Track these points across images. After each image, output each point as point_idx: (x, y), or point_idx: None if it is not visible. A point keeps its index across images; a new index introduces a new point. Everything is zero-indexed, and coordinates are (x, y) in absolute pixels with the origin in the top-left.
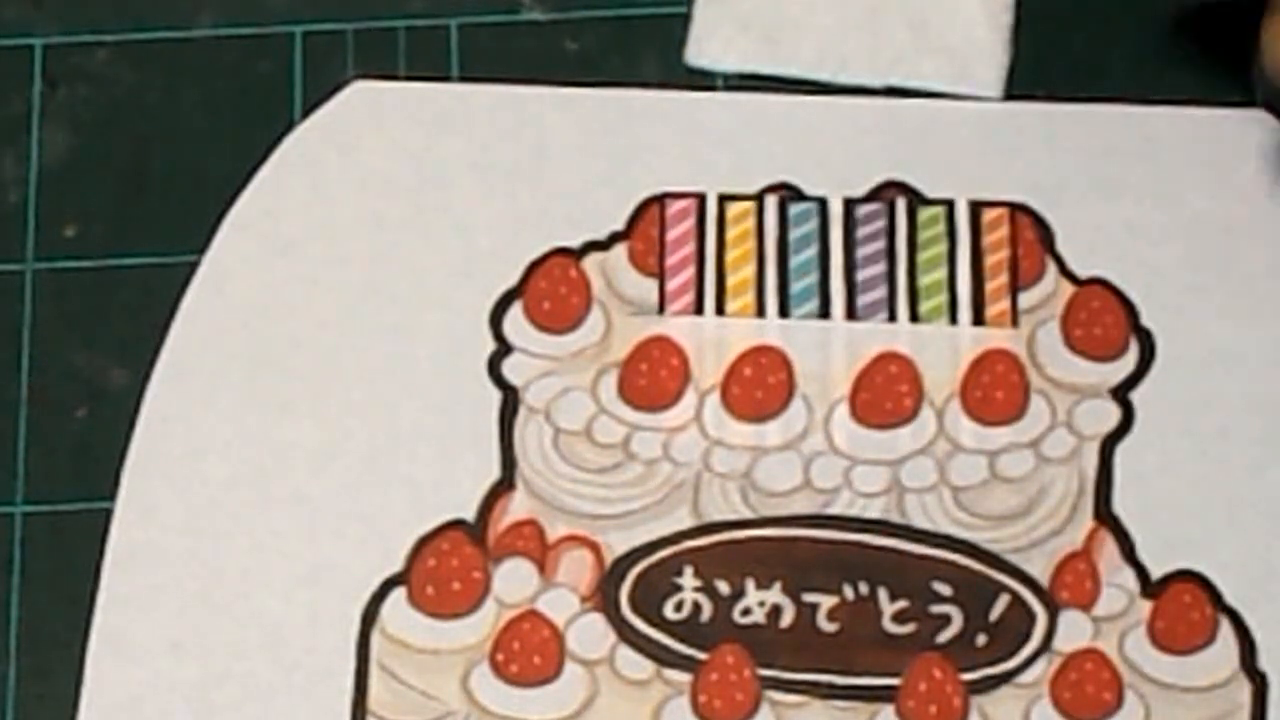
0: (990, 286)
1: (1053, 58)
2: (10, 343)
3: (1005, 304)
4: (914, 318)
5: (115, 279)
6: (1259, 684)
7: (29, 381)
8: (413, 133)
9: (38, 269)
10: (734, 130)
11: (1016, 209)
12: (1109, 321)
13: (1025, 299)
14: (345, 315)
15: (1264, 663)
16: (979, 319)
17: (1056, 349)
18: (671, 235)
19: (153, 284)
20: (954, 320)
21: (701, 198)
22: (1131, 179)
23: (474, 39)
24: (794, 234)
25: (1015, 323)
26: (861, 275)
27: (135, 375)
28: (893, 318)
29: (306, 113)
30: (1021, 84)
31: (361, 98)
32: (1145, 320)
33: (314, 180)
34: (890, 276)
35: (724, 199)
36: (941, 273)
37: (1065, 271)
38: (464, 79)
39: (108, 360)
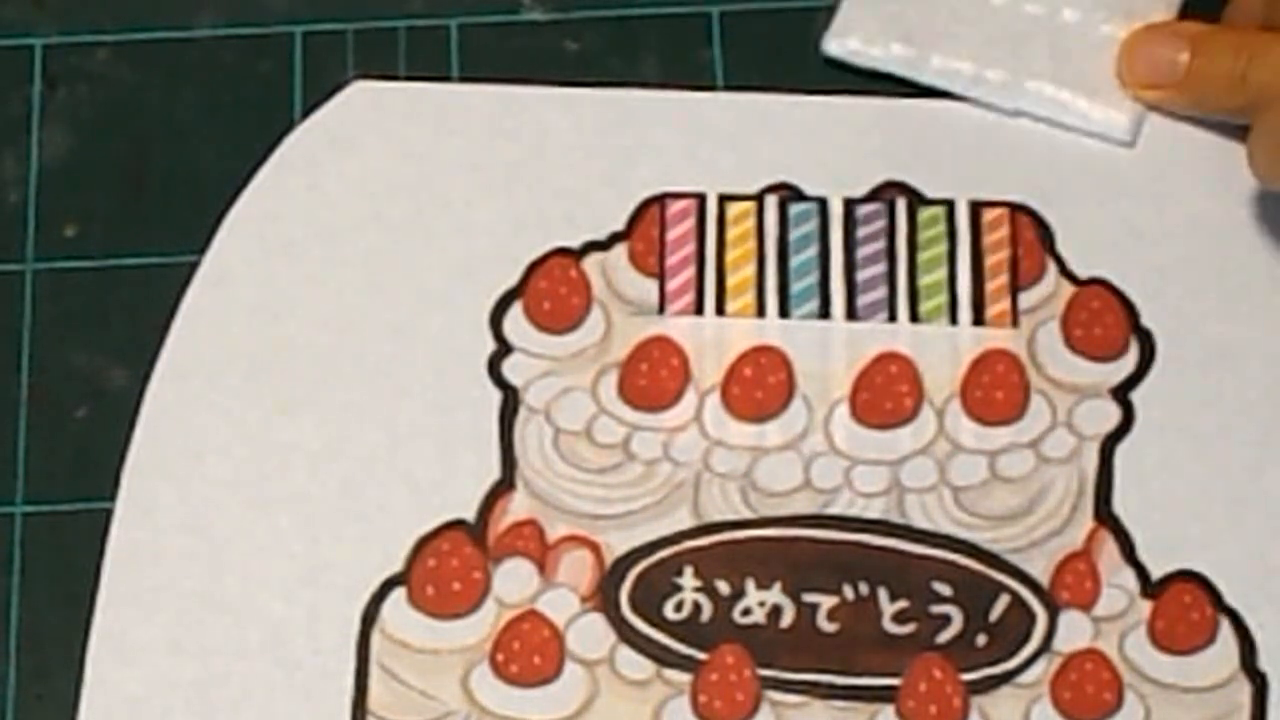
0: (990, 286)
1: None
2: (10, 343)
3: (1005, 304)
4: (914, 318)
5: (115, 279)
6: (1259, 684)
7: (29, 381)
8: (413, 133)
9: (38, 269)
10: (734, 130)
11: (1016, 209)
12: (1109, 321)
13: (1025, 299)
14: (345, 315)
15: (1264, 663)
16: (979, 319)
17: (1057, 349)
18: (671, 235)
19: (153, 284)
20: (954, 320)
21: (701, 198)
22: (1132, 179)
23: (474, 39)
24: (794, 234)
25: (1015, 323)
26: (862, 275)
27: (135, 375)
28: (893, 318)
29: (306, 113)
30: None
31: (361, 98)
32: (1145, 320)
33: (314, 180)
34: (890, 276)
35: (724, 199)
36: (942, 273)
37: (1065, 272)
38: (464, 79)
39: (108, 360)
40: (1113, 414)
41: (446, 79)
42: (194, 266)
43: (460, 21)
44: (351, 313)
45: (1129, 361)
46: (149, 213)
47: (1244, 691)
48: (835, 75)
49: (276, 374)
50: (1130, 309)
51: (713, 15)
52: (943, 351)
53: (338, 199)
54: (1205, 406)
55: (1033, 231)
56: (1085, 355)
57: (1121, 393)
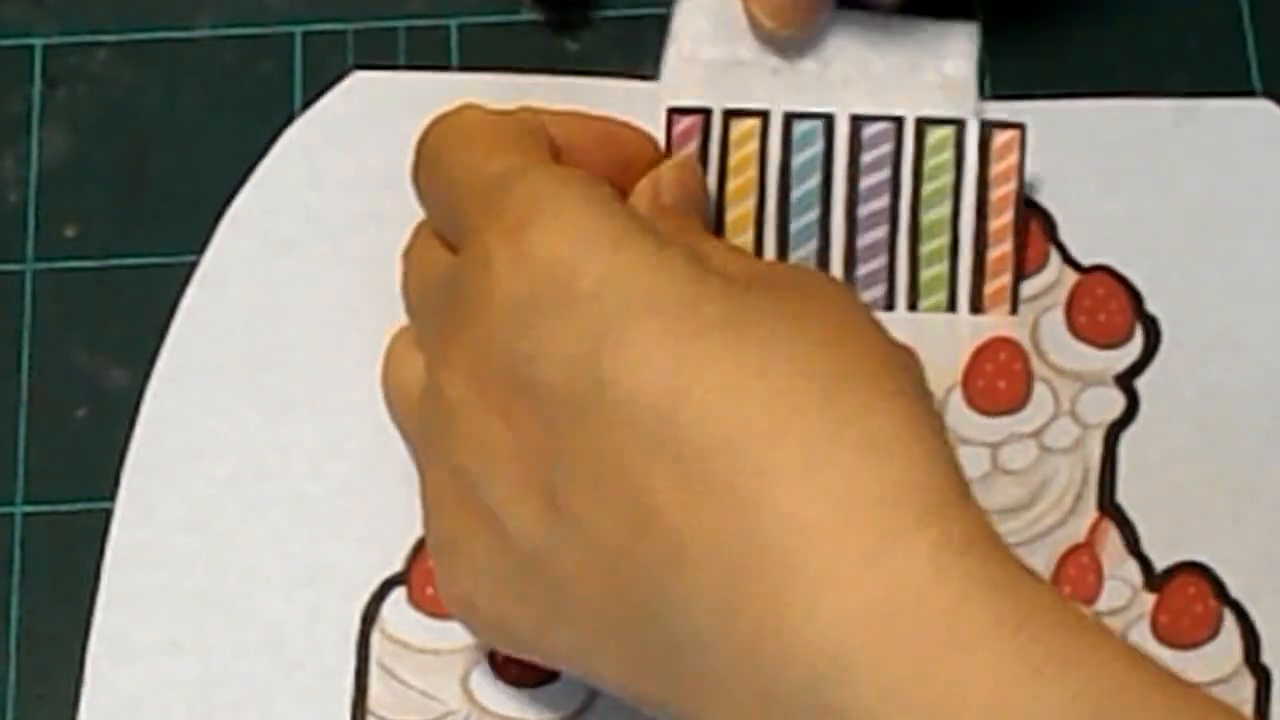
0: (993, 225)
1: (1053, 57)
2: (10, 343)
3: (1008, 246)
4: (913, 256)
5: (115, 279)
6: (1262, 679)
7: (29, 381)
8: (412, 124)
9: (38, 269)
10: None
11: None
12: (1113, 308)
13: (1028, 287)
14: (345, 315)
15: (1267, 657)
16: (979, 263)
17: (1060, 336)
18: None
19: (153, 284)
20: (953, 270)
21: (707, 113)
22: (1134, 168)
23: (474, 39)
24: (797, 160)
25: (1014, 307)
26: (863, 210)
27: (135, 375)
28: (892, 256)
29: (305, 109)
30: (1021, 83)
31: (361, 88)
32: (1150, 306)
33: (313, 174)
34: (893, 212)
35: (729, 114)
36: (945, 208)
37: (1068, 259)
38: None
39: (108, 360)
40: (1117, 401)
41: None
42: (194, 266)
43: (460, 21)
44: (351, 312)
45: (1134, 348)
46: (149, 213)
47: (1247, 686)
48: None
49: (276, 374)
50: (1135, 295)
51: None
52: (944, 341)
53: (338, 193)
54: (1210, 393)
55: (1036, 220)
56: (1089, 342)
57: (1126, 380)
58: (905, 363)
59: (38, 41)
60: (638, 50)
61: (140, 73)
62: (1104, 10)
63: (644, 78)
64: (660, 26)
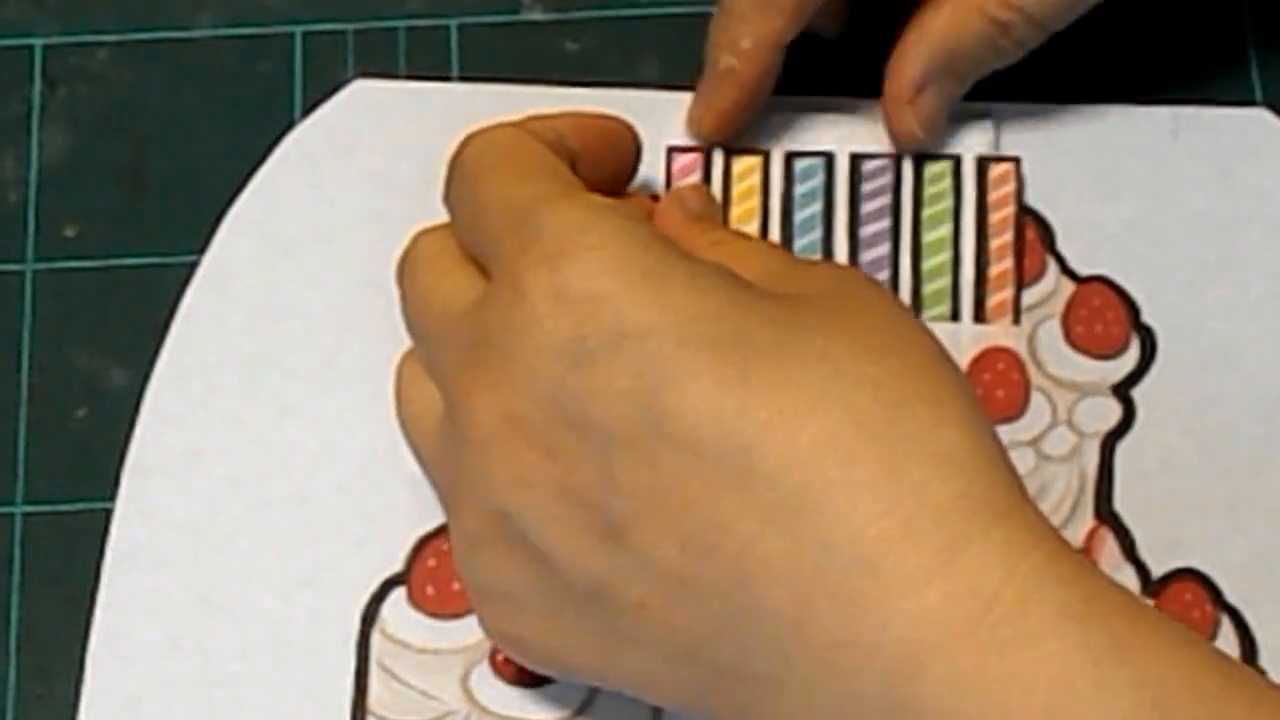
0: (994, 244)
1: (1052, 58)
2: (10, 343)
3: (1008, 263)
4: (916, 274)
5: (115, 279)
6: None
7: (29, 381)
8: (413, 133)
9: (38, 269)
10: None
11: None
12: (1110, 319)
13: (1026, 297)
14: (345, 315)
15: (1264, 661)
16: (981, 278)
17: (1057, 346)
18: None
19: (153, 284)
20: (956, 278)
21: (708, 151)
22: (1132, 178)
23: (474, 39)
24: (799, 189)
25: (1017, 319)
26: (865, 231)
27: (135, 375)
28: (895, 275)
29: (306, 112)
30: (1021, 84)
31: (362, 97)
32: (1146, 317)
33: (314, 179)
34: (895, 232)
35: (730, 153)
36: (946, 229)
37: (1066, 269)
38: (464, 79)
39: (108, 360)
40: (1114, 411)
41: (446, 79)
42: (194, 266)
43: (460, 21)
44: (351, 312)
45: (1130, 359)
46: (149, 213)
47: None
48: (834, 77)
49: (276, 374)
50: (1131, 306)
51: (712, 15)
52: None
53: (338, 198)
54: (1206, 403)
55: (1033, 230)
56: (1086, 352)
57: (1122, 390)
58: (951, 365)
59: (38, 41)
60: (638, 50)
61: (140, 73)
62: (1103, 15)
63: (644, 83)
64: (660, 27)
